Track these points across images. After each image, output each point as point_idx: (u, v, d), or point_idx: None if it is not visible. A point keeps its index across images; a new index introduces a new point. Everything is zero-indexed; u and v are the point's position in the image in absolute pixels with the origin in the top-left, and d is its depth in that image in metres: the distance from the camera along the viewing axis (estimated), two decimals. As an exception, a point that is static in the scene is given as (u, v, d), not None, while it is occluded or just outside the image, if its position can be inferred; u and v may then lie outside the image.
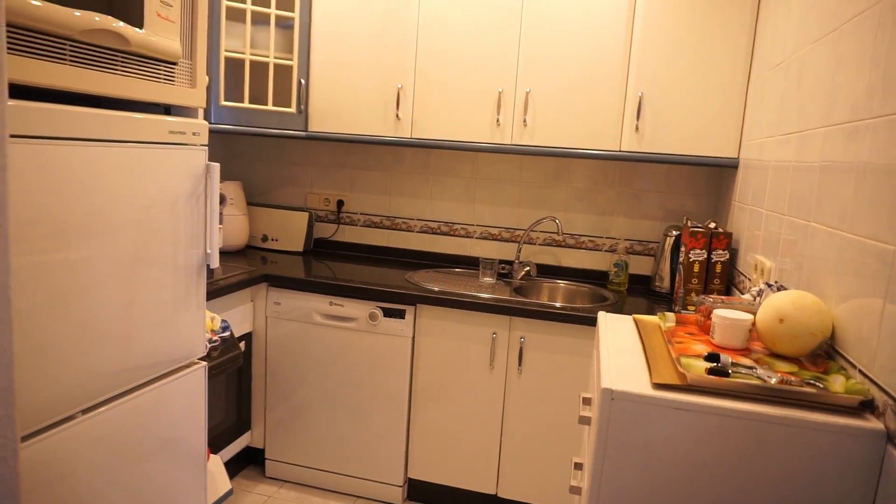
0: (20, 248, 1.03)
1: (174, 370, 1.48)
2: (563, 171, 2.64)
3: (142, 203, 1.25)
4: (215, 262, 1.39)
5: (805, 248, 1.37)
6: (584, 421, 1.24)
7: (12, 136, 0.98)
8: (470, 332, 2.19)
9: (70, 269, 1.14)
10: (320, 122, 2.54)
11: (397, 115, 2.44)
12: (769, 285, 1.49)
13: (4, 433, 0.71)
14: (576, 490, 1.25)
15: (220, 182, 2.67)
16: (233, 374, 2.29)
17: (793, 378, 1.03)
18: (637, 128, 2.23)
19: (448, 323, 2.21)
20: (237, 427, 2.35)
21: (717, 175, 2.49)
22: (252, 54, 2.42)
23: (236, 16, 2.39)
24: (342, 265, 2.63)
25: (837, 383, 1.01)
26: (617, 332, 1.39)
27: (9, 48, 0.96)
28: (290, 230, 2.85)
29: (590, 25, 2.23)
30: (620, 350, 1.25)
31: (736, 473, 0.99)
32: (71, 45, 1.06)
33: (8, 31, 0.97)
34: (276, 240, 2.86)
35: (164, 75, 1.27)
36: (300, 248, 2.84)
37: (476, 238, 2.77)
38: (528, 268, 2.59)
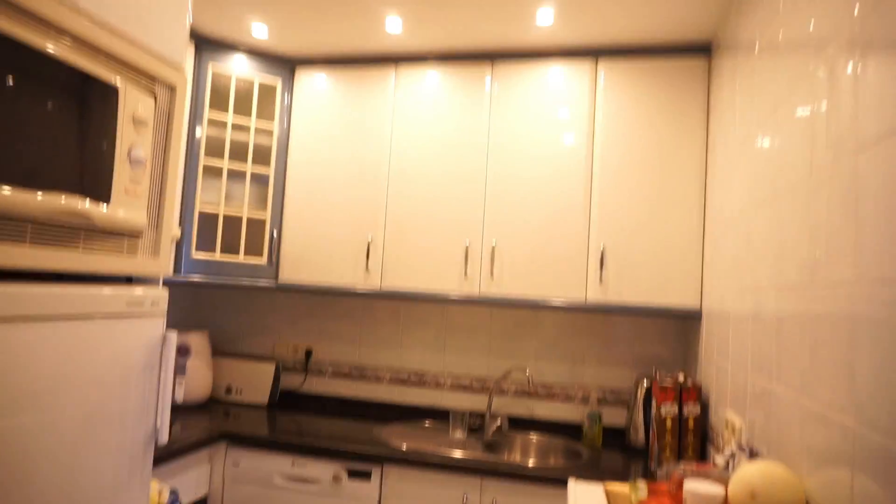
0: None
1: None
2: (533, 319, 2.66)
3: (90, 377, 1.21)
4: (164, 438, 1.32)
5: (771, 409, 1.36)
6: None
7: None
8: (440, 496, 2.07)
9: (3, 449, 1.06)
10: (291, 273, 2.56)
11: (367, 267, 2.48)
12: (741, 447, 1.46)
13: None
14: None
15: (186, 333, 2.62)
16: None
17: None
18: (601, 279, 2.29)
19: (417, 485, 2.09)
20: None
21: (683, 324, 2.52)
22: (226, 208, 2.49)
23: (214, 172, 2.49)
24: (308, 419, 2.52)
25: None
26: (588, 504, 1.32)
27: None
28: (255, 381, 2.76)
29: (551, 182, 2.36)
30: (591, 529, 1.18)
31: None
32: (32, 226, 1.07)
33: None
34: (241, 391, 2.76)
35: (128, 247, 1.29)
36: (265, 401, 2.73)
37: (447, 389, 2.71)
38: (499, 421, 2.51)
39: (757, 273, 1.54)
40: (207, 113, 2.47)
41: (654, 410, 2.06)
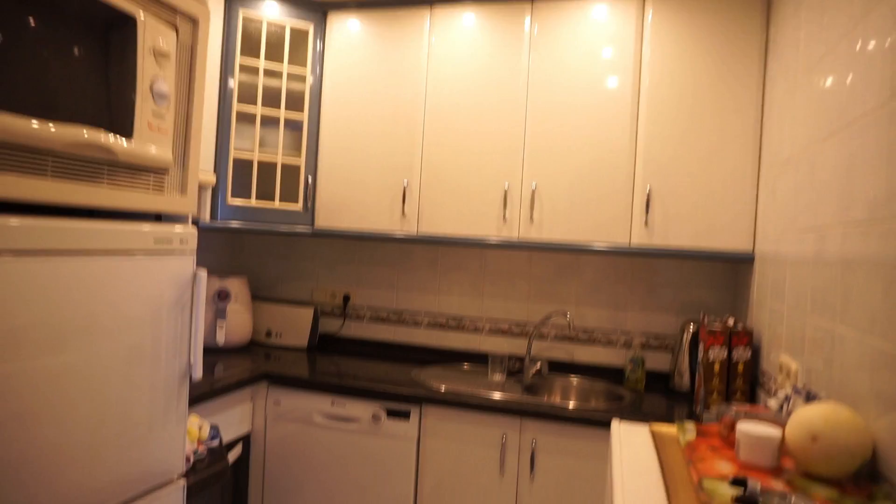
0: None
1: (148, 490, 1.37)
2: (574, 264, 2.58)
3: (122, 314, 1.20)
4: (198, 374, 1.32)
5: (833, 352, 1.27)
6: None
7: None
8: (478, 435, 2.06)
9: (36, 386, 1.07)
10: (327, 219, 2.54)
11: (403, 212, 2.43)
12: (797, 390, 1.38)
13: None
14: None
15: (225, 278, 2.64)
16: (228, 481, 2.16)
17: (832, 509, 0.91)
18: (646, 222, 2.18)
19: (455, 425, 2.09)
20: (230, 541, 2.19)
21: (733, 268, 2.41)
22: (261, 154, 2.46)
23: (247, 118, 2.45)
24: (347, 361, 2.54)
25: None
26: (632, 446, 1.28)
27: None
28: (294, 326, 2.79)
29: (594, 122, 2.24)
30: (635, 471, 1.13)
31: None
32: (53, 160, 1.04)
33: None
34: (281, 335, 2.79)
35: (154, 184, 1.26)
36: (305, 344, 2.76)
37: (485, 333, 2.68)
38: (538, 365, 2.47)
39: (820, 212, 1.42)
40: (238, 58, 2.41)
41: (700, 354, 1.98)
